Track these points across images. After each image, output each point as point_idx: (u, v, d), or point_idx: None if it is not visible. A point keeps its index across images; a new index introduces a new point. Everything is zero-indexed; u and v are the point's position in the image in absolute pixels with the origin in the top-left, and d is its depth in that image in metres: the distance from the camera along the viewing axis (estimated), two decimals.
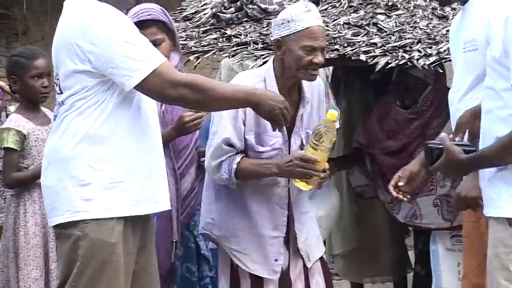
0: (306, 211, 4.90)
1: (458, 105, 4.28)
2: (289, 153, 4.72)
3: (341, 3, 5.98)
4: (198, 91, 3.99)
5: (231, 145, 4.65)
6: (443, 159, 3.55)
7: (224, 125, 4.64)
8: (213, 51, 5.87)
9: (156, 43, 4.94)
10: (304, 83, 4.76)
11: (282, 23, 4.66)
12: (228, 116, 4.62)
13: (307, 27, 4.61)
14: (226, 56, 5.95)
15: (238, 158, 4.63)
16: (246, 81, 4.68)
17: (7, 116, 9.16)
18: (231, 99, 4.12)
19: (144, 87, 3.95)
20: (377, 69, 5.36)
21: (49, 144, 4.15)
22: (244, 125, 4.66)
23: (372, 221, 6.65)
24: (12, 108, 9.18)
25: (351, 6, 5.94)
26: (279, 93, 4.54)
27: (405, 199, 4.65)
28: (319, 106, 4.89)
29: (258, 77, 4.71)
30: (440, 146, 3.60)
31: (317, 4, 5.81)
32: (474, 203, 4.13)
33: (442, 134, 3.64)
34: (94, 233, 3.94)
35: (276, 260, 4.77)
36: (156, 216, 4.76)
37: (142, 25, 5.03)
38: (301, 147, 4.78)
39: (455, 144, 3.57)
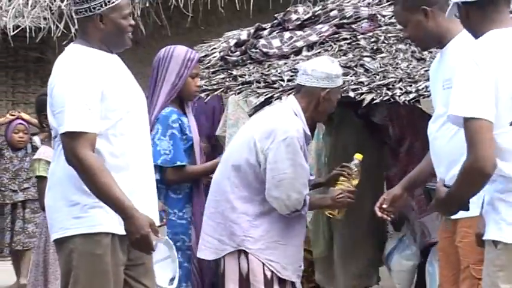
0: None
1: (436, 134, 4.26)
2: None
3: (332, 47, 5.99)
4: (83, 173, 3.87)
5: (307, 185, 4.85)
6: (434, 199, 3.51)
7: (302, 163, 4.75)
8: (221, 89, 5.89)
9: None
10: None
11: (335, 77, 4.86)
12: (300, 156, 4.75)
13: (340, 85, 4.96)
14: (232, 94, 5.96)
15: (307, 198, 4.82)
16: (297, 123, 4.76)
17: (32, 146, 9.23)
18: (109, 200, 3.88)
19: (61, 140, 3.93)
20: (364, 105, 5.38)
21: (49, 170, 4.20)
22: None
23: (343, 233, 6.54)
24: (36, 138, 9.24)
25: (341, 50, 5.96)
26: (307, 128, 4.79)
27: (389, 218, 4.67)
28: None
29: (295, 117, 4.79)
30: (433, 187, 3.55)
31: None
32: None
33: (439, 177, 3.60)
34: (83, 246, 3.96)
35: (300, 266, 4.96)
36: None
37: (199, 60, 5.34)
38: None
39: (445, 185, 3.48)
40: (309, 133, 4.81)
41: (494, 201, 3.38)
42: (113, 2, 4.02)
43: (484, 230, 4.07)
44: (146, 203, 4.08)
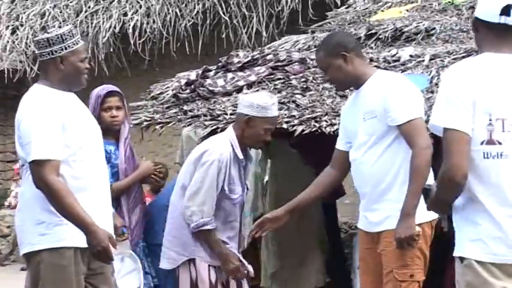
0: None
1: (361, 159, 4.25)
2: None
3: (268, 86, 5.99)
4: (51, 195, 3.86)
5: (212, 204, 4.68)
6: (429, 199, 3.25)
7: (212, 185, 4.64)
8: (173, 122, 5.86)
9: (118, 108, 5.00)
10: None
11: (257, 107, 4.70)
12: (213, 177, 4.63)
13: (272, 116, 4.74)
14: (183, 126, 5.94)
15: (209, 226, 4.66)
16: (224, 147, 4.68)
17: None
18: (74, 218, 3.85)
19: (29, 167, 3.91)
20: (295, 135, 5.40)
21: (19, 194, 4.17)
22: (223, 180, 4.69)
23: (295, 244, 6.52)
24: None
25: (276, 88, 5.96)
26: (241, 153, 4.67)
27: (263, 234, 4.66)
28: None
29: (226, 144, 4.72)
30: (430, 187, 3.27)
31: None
32: (413, 240, 4.09)
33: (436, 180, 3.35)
34: (49, 258, 3.94)
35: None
36: None
37: (109, 94, 5.03)
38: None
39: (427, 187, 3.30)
40: (241, 157, 4.71)
41: (458, 218, 3.18)
42: (72, 47, 4.03)
43: (403, 235, 4.12)
44: (104, 219, 4.07)
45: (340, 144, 4.52)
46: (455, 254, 3.16)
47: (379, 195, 4.25)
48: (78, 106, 4.14)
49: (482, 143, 3.07)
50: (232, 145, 4.70)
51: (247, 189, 4.98)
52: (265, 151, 6.56)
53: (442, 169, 3.07)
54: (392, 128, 4.19)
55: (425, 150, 4.11)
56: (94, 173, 4.06)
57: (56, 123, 3.91)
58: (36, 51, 4.14)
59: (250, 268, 4.87)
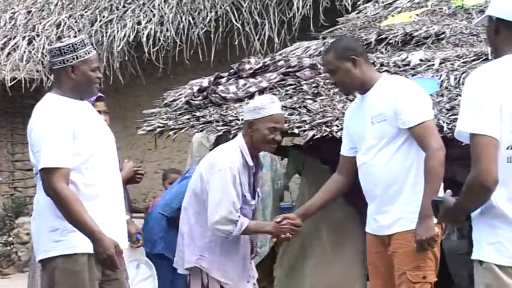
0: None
1: (371, 162, 4.26)
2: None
3: (280, 92, 6.00)
4: (59, 203, 3.88)
5: (236, 209, 4.63)
6: (442, 210, 3.16)
7: (229, 190, 4.61)
8: (186, 128, 5.88)
9: (105, 112, 5.08)
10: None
11: (254, 109, 4.70)
12: (228, 183, 4.60)
13: (272, 114, 4.67)
14: (196, 132, 5.96)
15: (246, 223, 4.64)
16: (233, 155, 4.66)
17: None
18: (81, 225, 3.88)
19: (40, 174, 3.94)
20: (306, 140, 5.41)
21: (34, 201, 4.17)
22: (241, 186, 4.67)
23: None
24: None
25: (287, 94, 5.97)
26: (251, 160, 4.65)
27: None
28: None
29: (236, 151, 4.71)
30: (441, 199, 3.19)
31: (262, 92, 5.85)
32: (433, 241, 4.09)
33: (448, 191, 3.24)
34: (63, 264, 3.97)
35: (248, 281, 4.82)
36: None
37: (97, 99, 5.09)
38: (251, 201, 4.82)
39: (453, 196, 3.17)
40: (251, 163, 4.69)
41: (477, 221, 3.13)
42: (84, 56, 4.07)
43: (423, 236, 4.11)
44: (117, 226, 4.10)
45: (344, 150, 4.53)
46: (474, 256, 3.13)
47: (390, 197, 4.25)
48: (90, 114, 4.17)
49: (508, 148, 3.02)
50: (242, 152, 4.69)
51: (259, 196, 4.97)
52: (294, 161, 6.37)
53: (471, 175, 2.98)
54: (402, 131, 4.20)
55: (439, 151, 4.13)
56: (107, 181, 4.08)
57: (66, 131, 3.94)
58: (49, 60, 4.18)
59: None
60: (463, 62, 5.87)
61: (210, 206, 4.64)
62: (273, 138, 4.69)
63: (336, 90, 5.87)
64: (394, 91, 4.25)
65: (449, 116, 5.07)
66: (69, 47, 4.05)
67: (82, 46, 4.07)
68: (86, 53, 4.07)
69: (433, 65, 5.95)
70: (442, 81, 5.64)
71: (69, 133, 3.94)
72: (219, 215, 4.59)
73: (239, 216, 4.62)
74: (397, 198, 4.23)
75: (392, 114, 4.19)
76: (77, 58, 4.05)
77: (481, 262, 3.10)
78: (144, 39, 10.21)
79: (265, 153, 6.39)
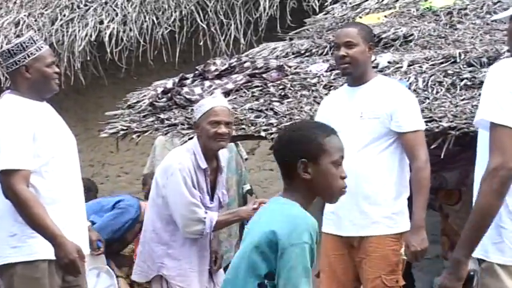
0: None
1: (354, 156, 4.24)
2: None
3: (246, 94, 6.03)
4: (19, 205, 3.86)
5: (198, 206, 4.63)
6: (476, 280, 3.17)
7: (182, 191, 4.61)
8: (150, 131, 5.87)
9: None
10: (220, 154, 4.81)
11: (197, 109, 4.76)
12: (181, 185, 4.59)
13: (211, 108, 4.66)
14: (160, 135, 5.95)
15: (215, 217, 4.65)
16: (182, 156, 4.67)
17: None
18: (42, 229, 3.86)
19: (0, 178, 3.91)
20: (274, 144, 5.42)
21: None
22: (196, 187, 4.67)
23: None
24: None
25: (253, 96, 6.00)
26: (205, 162, 4.59)
27: None
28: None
29: (190, 151, 4.71)
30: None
31: (228, 94, 5.86)
32: (425, 252, 4.21)
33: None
34: (22, 271, 3.94)
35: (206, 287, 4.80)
36: None
37: None
38: (219, 204, 4.83)
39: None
40: (203, 166, 4.66)
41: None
42: (35, 54, 4.02)
43: (419, 247, 4.17)
44: (78, 231, 4.06)
45: None
46: (476, 255, 3.10)
47: (370, 197, 4.27)
48: (51, 116, 4.12)
49: None
50: (194, 153, 4.67)
51: (224, 200, 4.93)
52: None
53: (490, 166, 2.94)
54: (391, 133, 4.27)
55: (428, 163, 4.29)
56: (68, 184, 4.05)
57: (26, 133, 3.90)
58: (3, 63, 4.13)
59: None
60: (432, 65, 5.93)
61: (173, 212, 4.66)
62: (216, 132, 4.63)
63: (304, 92, 5.90)
64: (393, 92, 4.36)
65: None
66: (18, 47, 4.01)
67: (32, 43, 4.02)
68: (37, 50, 4.02)
69: (401, 67, 6.01)
70: (410, 83, 5.70)
71: (29, 134, 3.90)
72: (182, 219, 4.61)
73: (206, 212, 4.62)
74: (376, 199, 4.27)
75: (387, 115, 4.27)
76: (28, 56, 4.01)
77: (482, 261, 3.10)
78: (107, 38, 10.15)
79: (231, 157, 6.40)
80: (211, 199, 4.77)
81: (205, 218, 4.61)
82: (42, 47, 4.06)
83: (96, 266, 5.42)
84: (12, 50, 4.01)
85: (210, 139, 4.65)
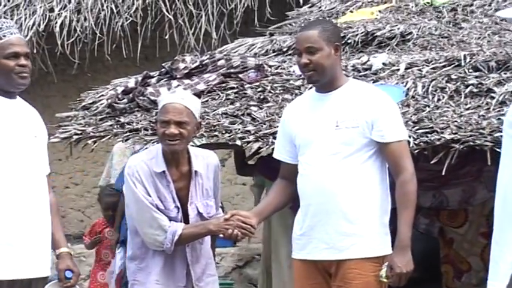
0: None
1: (330, 170, 4.27)
2: (188, 221, 4.72)
3: (219, 96, 6.03)
4: None
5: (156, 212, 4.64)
6: None
7: (136, 198, 4.65)
8: (108, 137, 5.84)
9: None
10: (195, 158, 4.76)
11: (158, 110, 4.79)
12: (133, 188, 4.63)
13: (163, 105, 4.66)
14: (120, 141, 5.93)
15: (180, 228, 4.63)
16: (135, 159, 4.74)
17: None
18: None
19: None
20: (251, 153, 5.43)
21: None
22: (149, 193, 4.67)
23: None
24: None
25: (228, 99, 5.99)
26: (162, 165, 4.63)
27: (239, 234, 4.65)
28: (215, 180, 4.88)
29: (150, 154, 4.73)
30: None
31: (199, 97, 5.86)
32: (409, 275, 4.24)
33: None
34: None
35: None
36: None
37: None
38: (200, 216, 4.77)
39: None
40: (158, 170, 4.65)
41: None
42: None
43: (404, 269, 4.21)
44: (30, 250, 4.04)
45: (286, 157, 4.56)
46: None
47: (349, 215, 4.29)
48: (9, 112, 4.09)
49: None
50: (154, 157, 4.69)
51: (207, 212, 4.87)
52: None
53: None
54: (372, 143, 4.29)
55: (414, 176, 4.31)
56: (22, 192, 4.03)
57: None
58: None
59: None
60: (432, 68, 5.96)
61: (134, 221, 4.73)
62: (164, 133, 4.61)
63: (286, 96, 5.91)
64: (373, 98, 4.35)
65: (416, 129, 5.14)
66: None
67: None
68: None
69: (398, 70, 6.03)
70: (408, 89, 5.72)
71: None
72: (139, 229, 4.67)
73: (170, 221, 4.65)
74: (357, 218, 4.29)
75: (367, 123, 4.28)
76: None
77: None
78: (57, 29, 10.12)
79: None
80: (182, 209, 4.74)
81: (169, 226, 4.61)
82: (4, 35, 4.04)
83: None
84: None
85: (161, 140, 4.70)
